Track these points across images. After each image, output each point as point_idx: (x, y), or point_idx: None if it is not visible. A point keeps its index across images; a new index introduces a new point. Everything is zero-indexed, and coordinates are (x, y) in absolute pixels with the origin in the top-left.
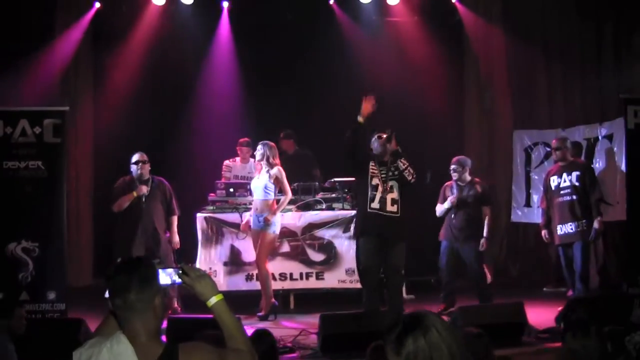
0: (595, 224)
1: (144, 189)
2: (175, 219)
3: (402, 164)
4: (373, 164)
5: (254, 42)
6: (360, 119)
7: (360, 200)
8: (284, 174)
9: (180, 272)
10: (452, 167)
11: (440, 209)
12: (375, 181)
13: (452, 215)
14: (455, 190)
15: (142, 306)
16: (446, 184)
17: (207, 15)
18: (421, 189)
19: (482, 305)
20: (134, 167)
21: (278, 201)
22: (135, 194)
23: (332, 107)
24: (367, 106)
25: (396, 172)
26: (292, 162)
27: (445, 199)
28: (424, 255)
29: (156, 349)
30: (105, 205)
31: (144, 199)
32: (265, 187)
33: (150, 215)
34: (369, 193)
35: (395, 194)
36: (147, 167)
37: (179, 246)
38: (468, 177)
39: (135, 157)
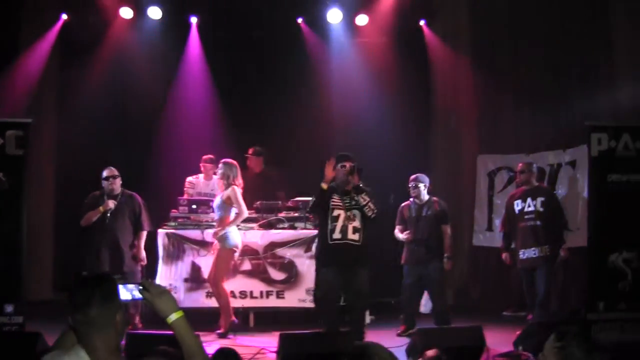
0: (562, 252)
1: (111, 204)
2: (143, 234)
3: (363, 200)
4: (335, 197)
5: (222, 59)
6: (324, 185)
7: (321, 233)
8: (238, 193)
9: (141, 288)
10: (411, 184)
11: (398, 235)
12: (335, 212)
13: (411, 236)
14: (414, 211)
15: (103, 322)
16: (403, 204)
17: (175, 30)
18: (386, 211)
19: (441, 328)
20: (104, 183)
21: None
22: (101, 209)
23: (300, 125)
24: (329, 170)
25: (359, 201)
26: (258, 181)
27: (403, 220)
28: (385, 276)
29: None
30: (66, 219)
31: (108, 214)
32: (218, 207)
33: (114, 230)
34: (329, 225)
35: (357, 223)
36: (118, 181)
37: (145, 262)
38: (426, 196)
39: (105, 173)
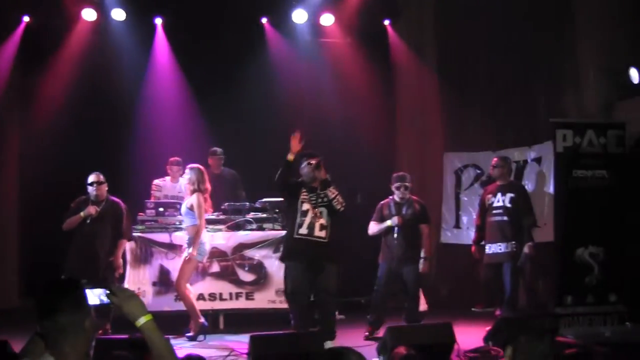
0: (526, 249)
1: (92, 210)
2: (122, 243)
3: (331, 192)
4: (304, 190)
5: (187, 60)
6: (290, 156)
7: (288, 225)
8: (202, 203)
9: (109, 292)
10: (398, 184)
11: (375, 227)
12: (305, 206)
13: (393, 236)
14: (393, 210)
15: (72, 328)
16: (382, 202)
17: (139, 31)
18: (352, 210)
19: (411, 326)
20: (89, 188)
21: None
22: (82, 214)
23: (265, 126)
24: (295, 143)
25: (325, 199)
26: (218, 181)
27: (382, 217)
28: (355, 276)
29: None
30: (31, 225)
31: (88, 220)
32: (186, 214)
33: (92, 237)
34: (298, 218)
35: (324, 220)
36: (104, 187)
37: (121, 270)
38: (407, 195)
39: (90, 178)
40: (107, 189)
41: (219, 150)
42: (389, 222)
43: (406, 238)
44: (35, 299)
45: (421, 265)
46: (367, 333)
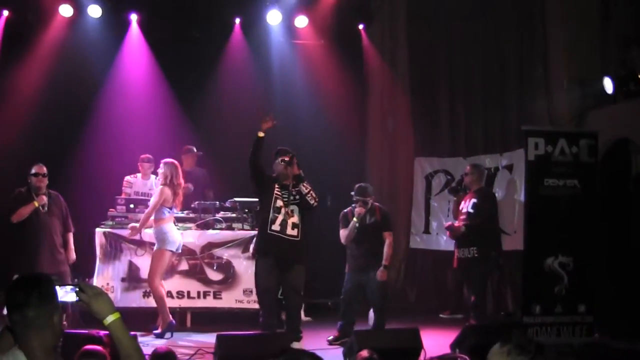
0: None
1: (45, 199)
2: (70, 236)
3: (305, 187)
4: (277, 186)
5: (160, 58)
6: (260, 133)
7: (260, 220)
8: (165, 195)
9: (77, 289)
10: (358, 198)
11: (345, 232)
12: (278, 203)
13: (354, 246)
14: (357, 223)
15: (41, 323)
16: (346, 210)
17: (115, 28)
18: (322, 213)
19: (378, 330)
20: (33, 179)
21: (175, 220)
22: (36, 203)
23: (236, 126)
24: (264, 122)
25: (297, 197)
26: (188, 179)
27: (347, 223)
28: (322, 278)
29: None
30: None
31: (44, 210)
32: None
33: (46, 231)
34: (271, 214)
35: (295, 218)
36: (46, 180)
37: (74, 262)
38: (369, 204)
39: (34, 169)
40: (47, 182)
41: (194, 148)
42: (354, 219)
43: (368, 246)
44: (4, 293)
45: (379, 273)
46: (331, 337)
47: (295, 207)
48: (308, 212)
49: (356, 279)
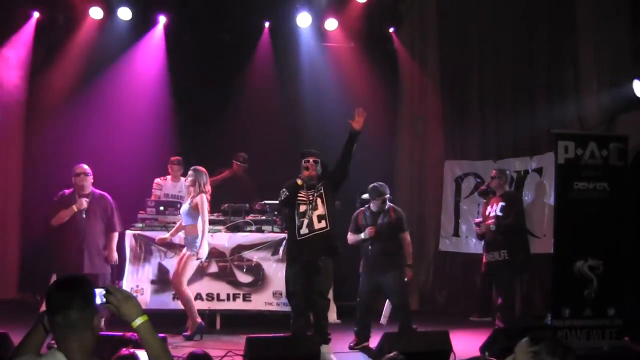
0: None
1: (84, 203)
2: (114, 236)
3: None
4: (301, 193)
5: (191, 60)
6: (299, 181)
7: (289, 230)
8: (205, 203)
9: (106, 292)
10: (376, 199)
11: (352, 238)
12: (302, 208)
13: (369, 247)
14: (368, 219)
15: (83, 325)
16: (358, 211)
17: (144, 30)
18: (351, 214)
19: (408, 332)
20: (75, 179)
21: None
22: (75, 208)
23: (266, 129)
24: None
25: (320, 189)
26: (239, 187)
27: (357, 228)
28: (353, 280)
29: None
30: (33, 218)
31: (84, 214)
32: (186, 213)
33: (87, 230)
34: (297, 221)
35: (320, 210)
36: (89, 179)
37: (116, 262)
38: (385, 206)
39: (76, 170)
40: (92, 181)
41: (245, 156)
42: (362, 236)
43: (383, 248)
44: (46, 295)
45: (407, 272)
46: (352, 343)
47: (318, 200)
48: (345, 178)
49: (372, 280)
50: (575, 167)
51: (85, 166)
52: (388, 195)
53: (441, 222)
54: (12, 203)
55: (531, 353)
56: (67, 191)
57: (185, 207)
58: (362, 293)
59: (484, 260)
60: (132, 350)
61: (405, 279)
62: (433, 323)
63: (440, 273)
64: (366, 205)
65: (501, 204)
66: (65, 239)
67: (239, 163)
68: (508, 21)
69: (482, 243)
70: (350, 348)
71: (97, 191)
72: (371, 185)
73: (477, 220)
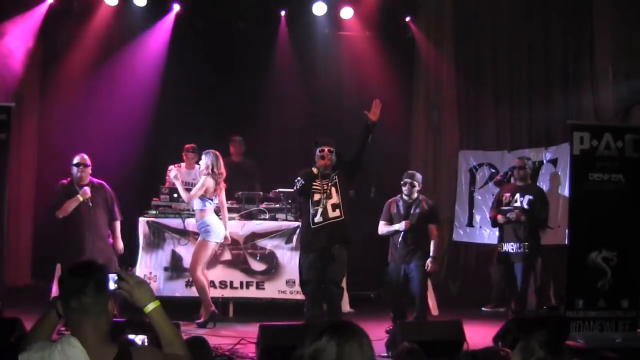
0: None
1: (88, 192)
2: (118, 224)
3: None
4: (316, 182)
5: (205, 48)
6: (315, 170)
7: (303, 219)
8: (207, 185)
9: (118, 278)
10: (406, 180)
11: (385, 228)
12: (316, 197)
13: (399, 239)
14: (401, 208)
15: (97, 309)
16: (390, 200)
17: (159, 16)
18: (365, 204)
19: (421, 322)
20: (74, 169)
21: (217, 210)
22: (80, 197)
23: (280, 117)
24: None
25: (335, 178)
26: (236, 170)
27: (390, 216)
28: (366, 270)
29: (107, 351)
30: (46, 208)
31: (90, 203)
32: (200, 197)
33: (90, 221)
34: (311, 210)
35: (335, 198)
36: (88, 170)
37: (122, 252)
38: (415, 194)
39: (76, 159)
40: (90, 172)
41: (238, 138)
42: (396, 227)
43: (413, 237)
44: (60, 281)
45: (429, 264)
46: (389, 328)
47: (333, 189)
48: (360, 168)
49: (400, 269)
50: (591, 158)
51: (85, 156)
52: (418, 184)
53: (455, 212)
54: (26, 190)
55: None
56: (64, 181)
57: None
58: (390, 281)
59: (500, 249)
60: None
61: (426, 269)
62: (446, 313)
63: (454, 263)
64: (399, 195)
65: (529, 197)
66: (70, 228)
67: (233, 145)
68: (523, 12)
69: (497, 232)
70: (387, 332)
71: (96, 180)
72: (408, 171)
73: (510, 208)
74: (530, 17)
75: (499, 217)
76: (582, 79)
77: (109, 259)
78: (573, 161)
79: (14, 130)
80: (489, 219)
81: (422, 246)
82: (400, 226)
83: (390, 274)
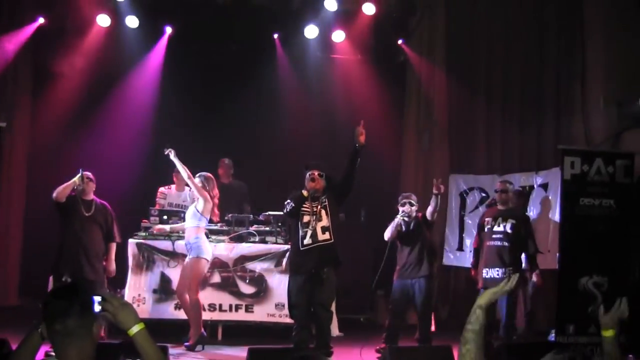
0: (534, 277)
1: (87, 175)
2: (113, 246)
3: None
4: (306, 204)
5: (196, 70)
6: (305, 192)
7: (293, 241)
8: (208, 202)
9: (102, 300)
10: (404, 200)
11: (390, 229)
12: (305, 218)
13: (404, 251)
14: (404, 228)
15: (82, 332)
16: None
17: (152, 40)
18: (355, 228)
19: (411, 347)
20: (83, 174)
21: (207, 233)
22: (76, 180)
23: (272, 140)
24: (314, 183)
25: (324, 201)
26: (226, 192)
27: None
28: (355, 294)
29: None
30: (35, 224)
31: (80, 187)
32: (193, 215)
33: (87, 237)
34: (300, 232)
35: (324, 221)
36: (92, 186)
37: (114, 274)
38: (414, 214)
39: (81, 172)
40: (94, 189)
41: (227, 160)
42: (398, 216)
43: (418, 253)
44: (44, 303)
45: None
46: (380, 347)
47: (323, 211)
48: (349, 191)
49: (403, 287)
50: (582, 183)
51: (89, 174)
52: (415, 203)
53: (445, 236)
54: (15, 209)
55: None
56: (72, 192)
57: (190, 209)
58: (394, 300)
59: (486, 275)
60: None
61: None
62: (435, 338)
63: (444, 287)
64: (400, 218)
65: (512, 221)
66: (66, 242)
67: (223, 166)
68: (516, 36)
69: (476, 257)
70: (377, 351)
71: (99, 200)
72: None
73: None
74: (523, 42)
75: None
76: (573, 104)
77: (100, 279)
78: (564, 186)
79: (4, 150)
80: (471, 249)
81: (427, 262)
82: (401, 213)
83: (393, 293)
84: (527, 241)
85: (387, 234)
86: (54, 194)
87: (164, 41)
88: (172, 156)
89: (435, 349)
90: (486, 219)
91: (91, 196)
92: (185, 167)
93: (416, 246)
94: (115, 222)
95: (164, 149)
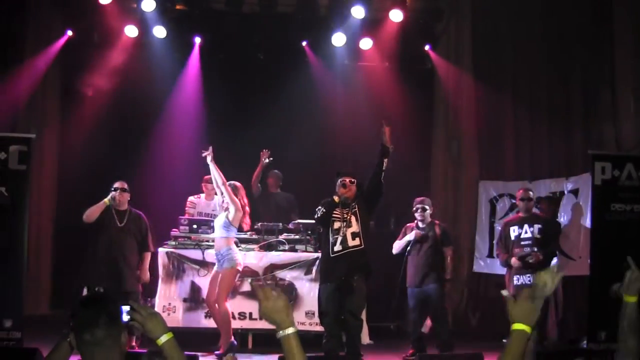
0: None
1: (115, 195)
2: (147, 256)
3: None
4: (336, 210)
5: (225, 80)
6: (336, 198)
7: (323, 248)
8: (239, 210)
9: (131, 309)
10: (418, 206)
11: (398, 245)
12: (336, 225)
13: (413, 258)
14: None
15: (110, 342)
16: (408, 224)
17: (179, 50)
18: (385, 235)
19: (442, 355)
20: (113, 194)
21: (237, 242)
22: (106, 201)
23: (300, 149)
24: (345, 189)
25: (355, 207)
26: (273, 201)
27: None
28: (386, 301)
29: None
30: (66, 235)
31: (117, 222)
32: (224, 225)
33: (121, 248)
34: (331, 238)
35: (354, 227)
36: (126, 196)
37: (147, 282)
38: (429, 218)
39: (116, 184)
40: (129, 199)
41: (277, 170)
42: (408, 237)
43: (426, 259)
44: (73, 313)
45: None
46: (408, 354)
47: (352, 217)
48: (379, 196)
49: (417, 294)
50: (613, 188)
51: (124, 182)
52: (429, 207)
53: (475, 243)
54: (46, 221)
55: None
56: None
57: (219, 220)
58: (410, 307)
59: (517, 282)
60: None
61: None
62: (466, 345)
63: (474, 294)
64: (414, 222)
65: (538, 226)
66: (99, 253)
67: (273, 176)
68: (543, 41)
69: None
70: (404, 359)
71: (134, 210)
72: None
73: (525, 252)
74: (551, 47)
75: (514, 260)
76: (604, 109)
77: (134, 289)
78: (594, 191)
79: (34, 161)
80: (496, 257)
81: (436, 269)
82: (410, 236)
83: (409, 298)
84: (551, 241)
85: (396, 249)
86: (84, 217)
87: (196, 52)
88: (209, 160)
89: (468, 356)
90: (510, 227)
91: (125, 206)
92: (221, 173)
93: (427, 254)
94: (150, 231)
95: (203, 150)
